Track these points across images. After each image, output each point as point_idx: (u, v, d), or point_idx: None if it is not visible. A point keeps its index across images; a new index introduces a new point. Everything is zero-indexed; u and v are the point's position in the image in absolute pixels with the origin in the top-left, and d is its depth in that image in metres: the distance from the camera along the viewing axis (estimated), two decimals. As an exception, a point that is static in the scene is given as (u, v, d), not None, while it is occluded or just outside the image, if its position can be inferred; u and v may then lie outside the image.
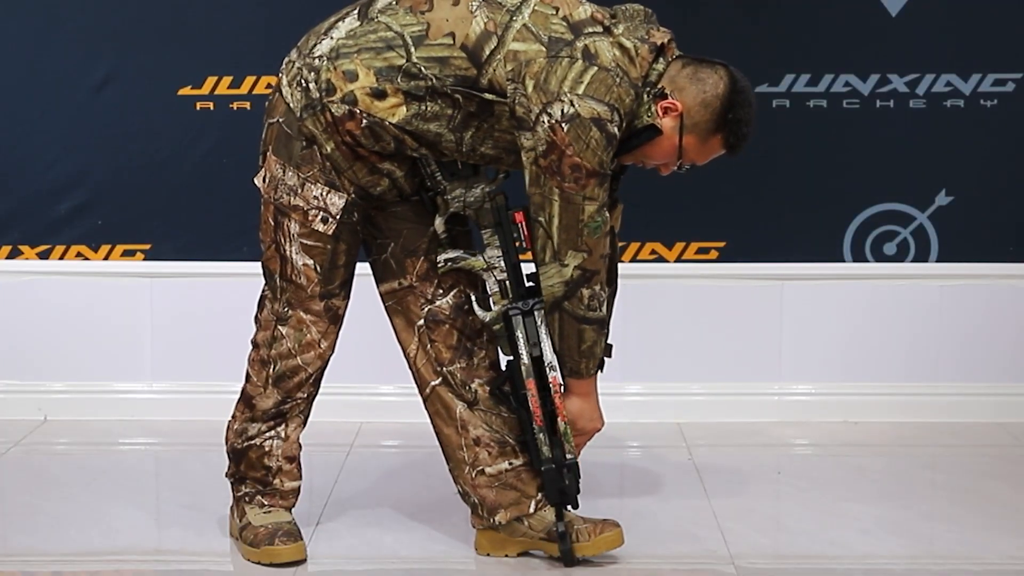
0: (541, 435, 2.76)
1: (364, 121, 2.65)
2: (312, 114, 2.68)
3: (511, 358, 2.78)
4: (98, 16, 3.73)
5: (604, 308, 2.69)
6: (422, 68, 2.62)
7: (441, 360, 2.83)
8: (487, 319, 2.79)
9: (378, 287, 2.87)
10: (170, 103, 3.76)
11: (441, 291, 2.82)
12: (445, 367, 2.82)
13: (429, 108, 2.64)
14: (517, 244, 2.77)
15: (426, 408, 2.88)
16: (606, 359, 2.79)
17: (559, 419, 2.75)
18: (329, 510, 3.11)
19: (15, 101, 3.77)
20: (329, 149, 2.69)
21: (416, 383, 2.88)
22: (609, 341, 2.78)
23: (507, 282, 2.77)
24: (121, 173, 3.79)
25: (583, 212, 2.60)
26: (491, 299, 2.79)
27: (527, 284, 2.79)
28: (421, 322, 2.82)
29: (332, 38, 2.68)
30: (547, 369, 2.75)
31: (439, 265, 2.79)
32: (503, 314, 2.77)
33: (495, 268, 2.78)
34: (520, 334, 2.75)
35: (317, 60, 2.67)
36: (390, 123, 2.64)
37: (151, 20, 3.73)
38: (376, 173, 2.72)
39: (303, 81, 2.69)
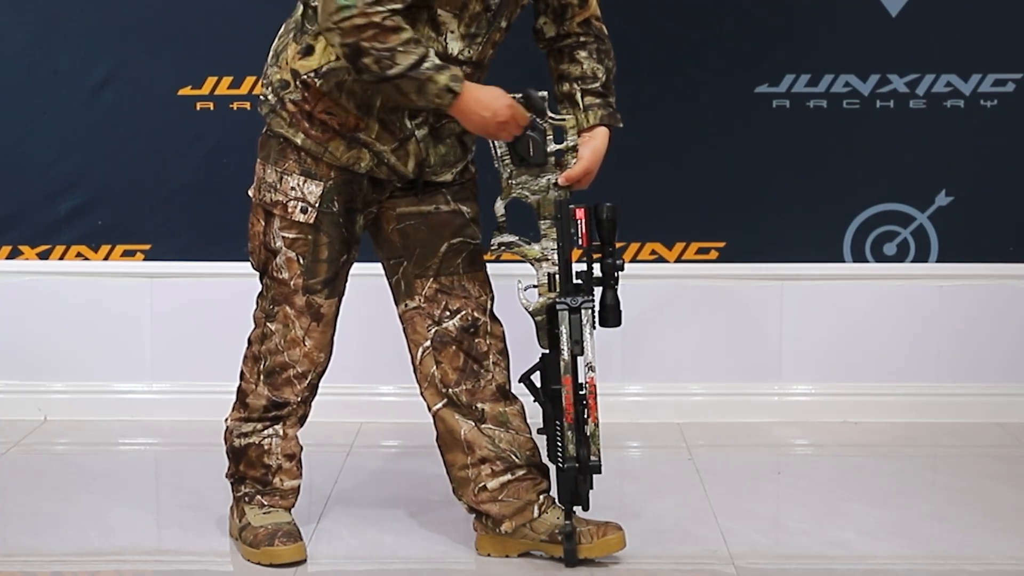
0: (569, 432, 2.75)
1: (318, 81, 2.70)
2: (276, 114, 2.76)
3: (547, 352, 2.78)
4: (98, 16, 3.73)
5: (401, 59, 2.56)
6: (313, 0, 2.70)
7: (447, 382, 2.83)
8: (531, 308, 2.79)
9: (396, 308, 2.89)
10: (170, 103, 3.76)
11: (448, 313, 2.82)
12: (451, 388, 2.83)
13: None
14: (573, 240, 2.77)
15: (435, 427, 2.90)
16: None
17: (590, 420, 2.74)
18: (329, 510, 3.11)
19: (15, 101, 3.77)
20: (300, 141, 2.74)
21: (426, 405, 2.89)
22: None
23: (556, 276, 2.77)
24: (121, 173, 3.79)
25: None
26: (537, 290, 2.79)
27: (575, 281, 2.78)
28: (427, 343, 2.83)
29: (271, 48, 2.81)
30: (586, 369, 2.74)
31: (492, 248, 2.80)
32: (548, 307, 2.77)
33: (547, 260, 2.78)
34: (564, 329, 2.74)
35: (268, 73, 2.79)
36: (332, 65, 2.69)
37: (151, 20, 3.73)
38: (355, 146, 2.73)
39: (264, 97, 2.80)
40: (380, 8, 2.55)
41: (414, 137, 2.75)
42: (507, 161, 2.77)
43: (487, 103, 2.66)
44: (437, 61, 2.60)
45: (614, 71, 2.86)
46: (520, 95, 2.73)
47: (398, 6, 2.57)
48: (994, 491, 3.28)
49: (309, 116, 2.73)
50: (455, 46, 2.69)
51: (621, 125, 2.85)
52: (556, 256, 2.77)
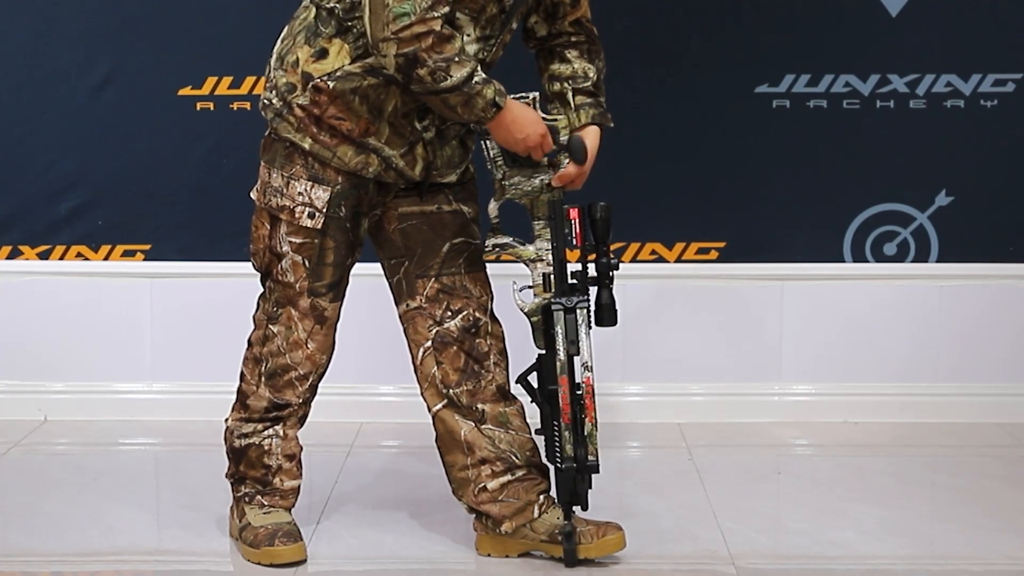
0: (567, 432, 2.75)
1: (331, 83, 2.69)
2: (282, 119, 2.74)
3: (543, 352, 2.79)
4: (98, 16, 3.73)
5: (455, 71, 2.57)
6: (326, 2, 2.71)
7: (447, 382, 2.83)
8: (526, 309, 2.79)
9: (396, 308, 2.89)
10: (170, 103, 3.76)
11: (450, 313, 2.82)
12: (451, 389, 2.82)
13: (358, 27, 2.67)
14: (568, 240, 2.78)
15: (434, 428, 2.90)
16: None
17: (587, 420, 2.75)
18: (329, 510, 3.11)
19: (15, 101, 3.77)
20: (308, 145, 2.73)
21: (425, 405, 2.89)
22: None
23: (551, 276, 2.77)
24: (121, 173, 3.79)
25: None
26: (532, 291, 2.79)
27: (570, 281, 2.78)
28: (428, 343, 2.83)
29: (274, 51, 2.79)
30: (582, 369, 2.74)
31: (486, 249, 2.81)
32: (543, 307, 2.77)
33: (542, 260, 2.78)
34: (559, 330, 2.74)
35: (272, 76, 2.77)
36: (347, 69, 2.69)
37: (151, 20, 3.73)
38: (364, 151, 2.73)
39: (267, 101, 2.78)
40: (436, 14, 2.56)
41: (422, 140, 2.75)
42: (500, 162, 2.77)
43: (523, 126, 2.68)
44: (483, 74, 2.61)
45: (604, 71, 2.87)
46: (551, 125, 2.74)
47: (447, 10, 2.58)
48: (994, 491, 3.28)
49: (317, 121, 2.71)
50: (471, 49, 2.69)
51: (612, 124, 2.85)
52: (551, 256, 2.77)
